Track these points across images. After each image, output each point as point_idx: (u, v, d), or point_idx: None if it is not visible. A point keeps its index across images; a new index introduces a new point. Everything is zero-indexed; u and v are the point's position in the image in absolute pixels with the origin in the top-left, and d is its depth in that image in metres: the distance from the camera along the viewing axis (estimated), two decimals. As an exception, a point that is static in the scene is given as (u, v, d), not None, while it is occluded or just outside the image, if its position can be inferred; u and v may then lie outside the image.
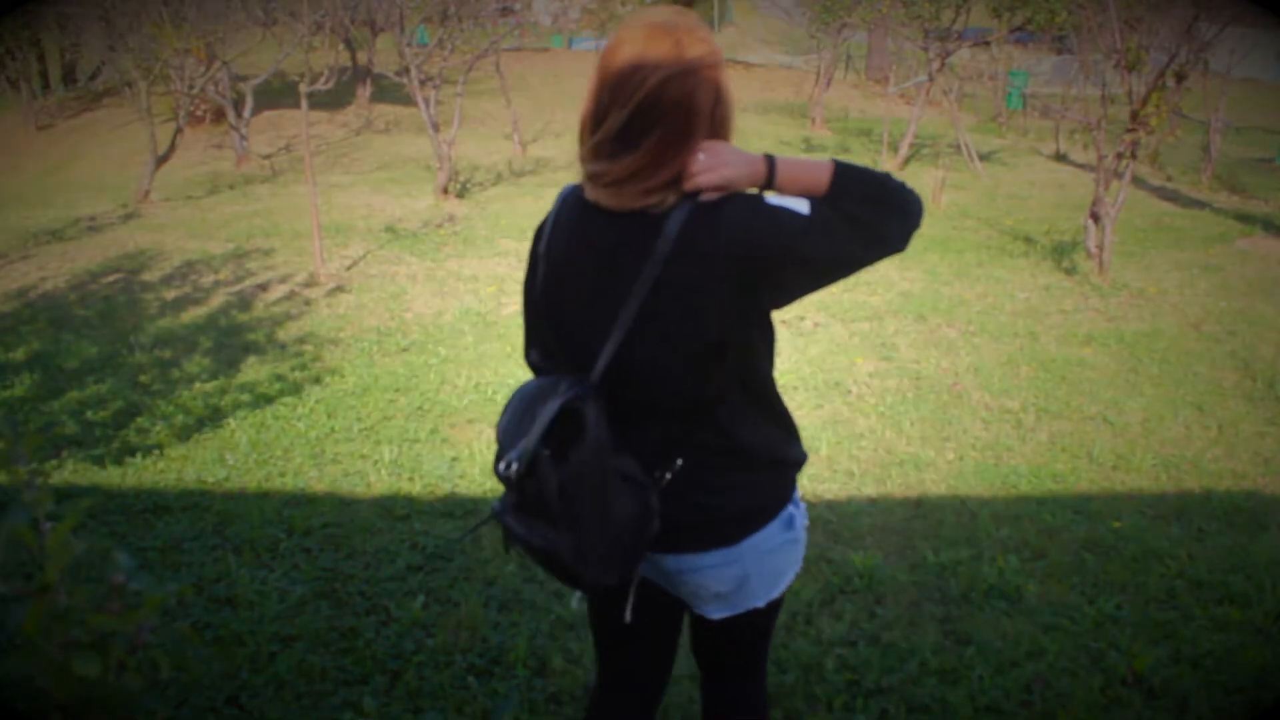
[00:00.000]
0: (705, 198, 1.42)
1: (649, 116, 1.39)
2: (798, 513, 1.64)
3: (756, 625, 1.69)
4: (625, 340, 1.44)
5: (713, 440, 1.51)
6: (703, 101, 1.41)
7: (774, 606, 1.69)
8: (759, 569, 1.59)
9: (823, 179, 1.46)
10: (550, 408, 1.43)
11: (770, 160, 1.46)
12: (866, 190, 1.47)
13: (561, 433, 1.42)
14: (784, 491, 1.61)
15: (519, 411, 1.50)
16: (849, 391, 4.81)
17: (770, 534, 1.58)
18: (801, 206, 1.42)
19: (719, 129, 1.45)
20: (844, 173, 1.47)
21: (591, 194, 1.50)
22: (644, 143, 1.39)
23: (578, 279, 1.53)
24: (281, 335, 5.50)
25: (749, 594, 1.62)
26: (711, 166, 1.40)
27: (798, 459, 1.64)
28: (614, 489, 1.43)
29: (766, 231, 1.41)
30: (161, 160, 9.69)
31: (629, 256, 1.44)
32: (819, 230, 1.42)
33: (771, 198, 1.43)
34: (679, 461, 1.51)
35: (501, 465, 1.47)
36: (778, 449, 1.59)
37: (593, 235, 1.51)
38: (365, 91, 15.48)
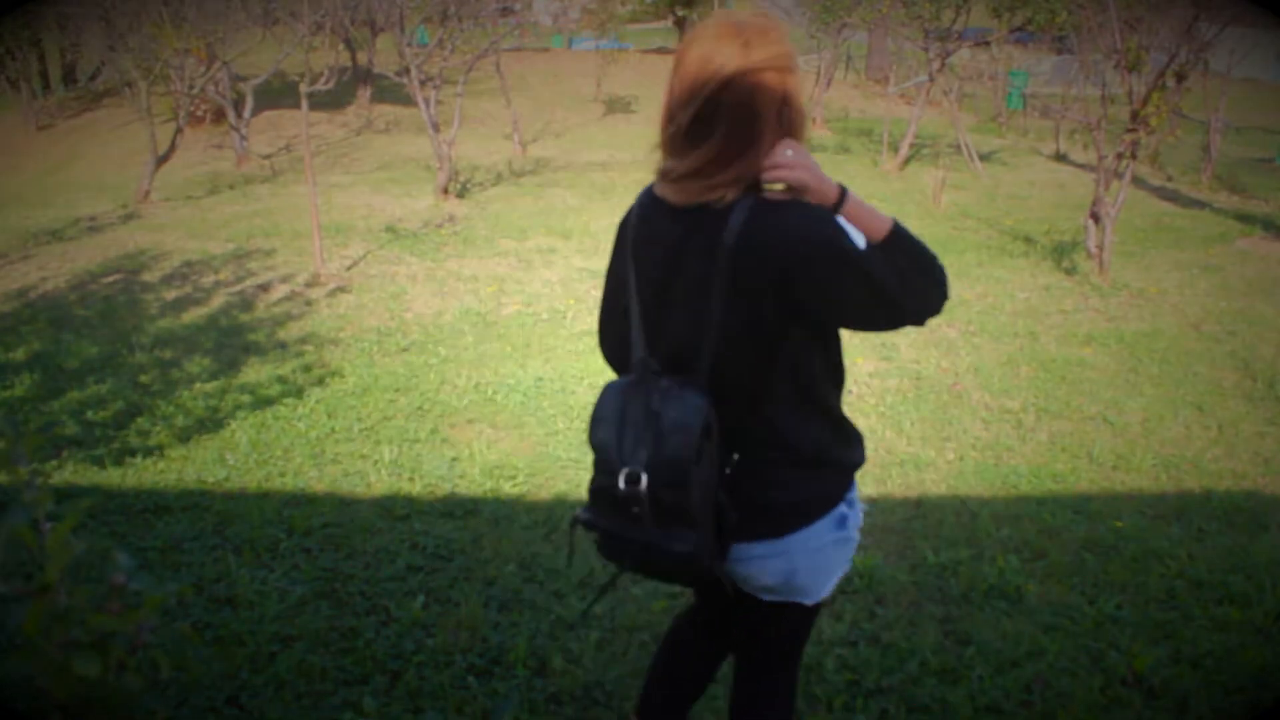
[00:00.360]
0: (770, 194, 1.47)
1: (713, 116, 1.43)
2: (851, 513, 1.67)
3: (796, 619, 1.74)
4: (708, 336, 1.49)
5: (765, 436, 1.56)
6: (765, 104, 1.44)
7: (817, 606, 1.73)
8: (807, 564, 1.63)
9: (883, 228, 1.52)
10: (678, 417, 1.47)
11: (843, 188, 1.51)
12: (917, 255, 1.53)
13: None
14: (835, 490, 1.64)
15: (620, 419, 1.52)
16: (849, 391, 4.80)
17: (819, 531, 1.62)
18: (859, 238, 1.49)
19: (790, 131, 1.48)
20: (902, 232, 1.53)
21: (659, 189, 1.56)
22: (708, 141, 1.43)
23: (647, 272, 1.58)
24: (282, 335, 5.50)
25: (796, 589, 1.65)
26: (794, 165, 1.44)
27: (852, 461, 1.67)
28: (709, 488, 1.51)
29: (824, 237, 1.45)
30: (161, 160, 9.69)
31: (692, 250, 1.49)
32: (870, 260, 1.46)
33: (819, 205, 1.49)
34: (735, 456, 1.56)
35: (622, 481, 1.47)
36: (829, 450, 1.62)
37: (659, 229, 1.56)
38: (365, 91, 15.49)
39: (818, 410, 1.59)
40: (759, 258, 1.43)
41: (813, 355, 1.55)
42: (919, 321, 1.55)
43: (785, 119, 1.46)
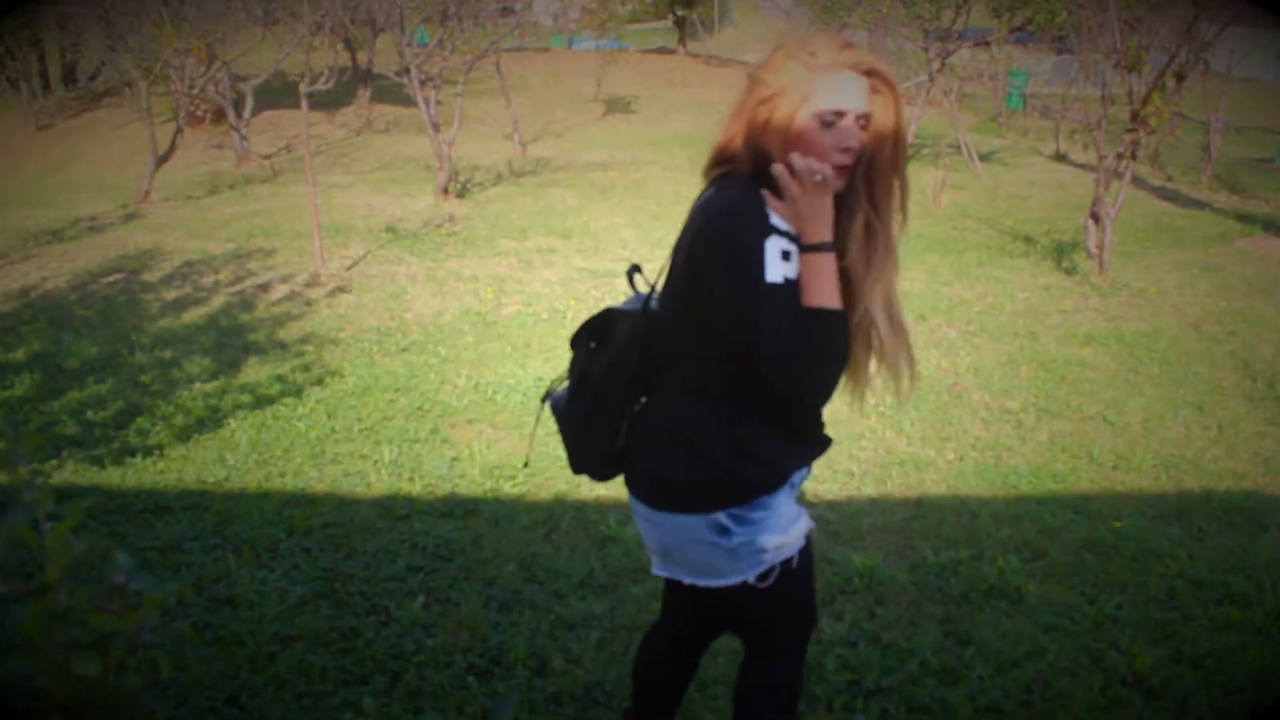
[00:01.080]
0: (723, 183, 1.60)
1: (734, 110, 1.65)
2: (739, 530, 1.65)
3: (746, 604, 1.76)
4: (658, 294, 1.70)
5: (664, 401, 1.68)
6: (743, 101, 1.62)
7: (753, 592, 1.71)
8: (679, 549, 1.71)
9: (819, 299, 1.51)
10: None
11: (825, 241, 1.52)
12: (825, 343, 1.51)
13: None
14: (714, 497, 1.64)
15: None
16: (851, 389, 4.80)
17: (691, 525, 1.66)
18: (780, 268, 1.49)
19: (794, 146, 1.55)
20: (832, 317, 1.52)
21: None
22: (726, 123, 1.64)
23: None
24: (282, 335, 5.50)
25: (677, 566, 1.74)
26: (805, 170, 1.50)
27: (745, 481, 1.64)
28: (613, 396, 1.70)
29: (725, 219, 1.54)
30: (162, 160, 9.69)
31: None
32: (767, 285, 1.48)
33: (774, 218, 1.52)
34: (644, 399, 1.70)
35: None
36: (717, 455, 1.63)
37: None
38: (365, 91, 15.48)
39: (717, 410, 1.62)
40: (687, 233, 1.60)
41: (709, 351, 1.59)
42: (782, 390, 1.52)
43: (769, 126, 1.56)
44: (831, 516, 3.54)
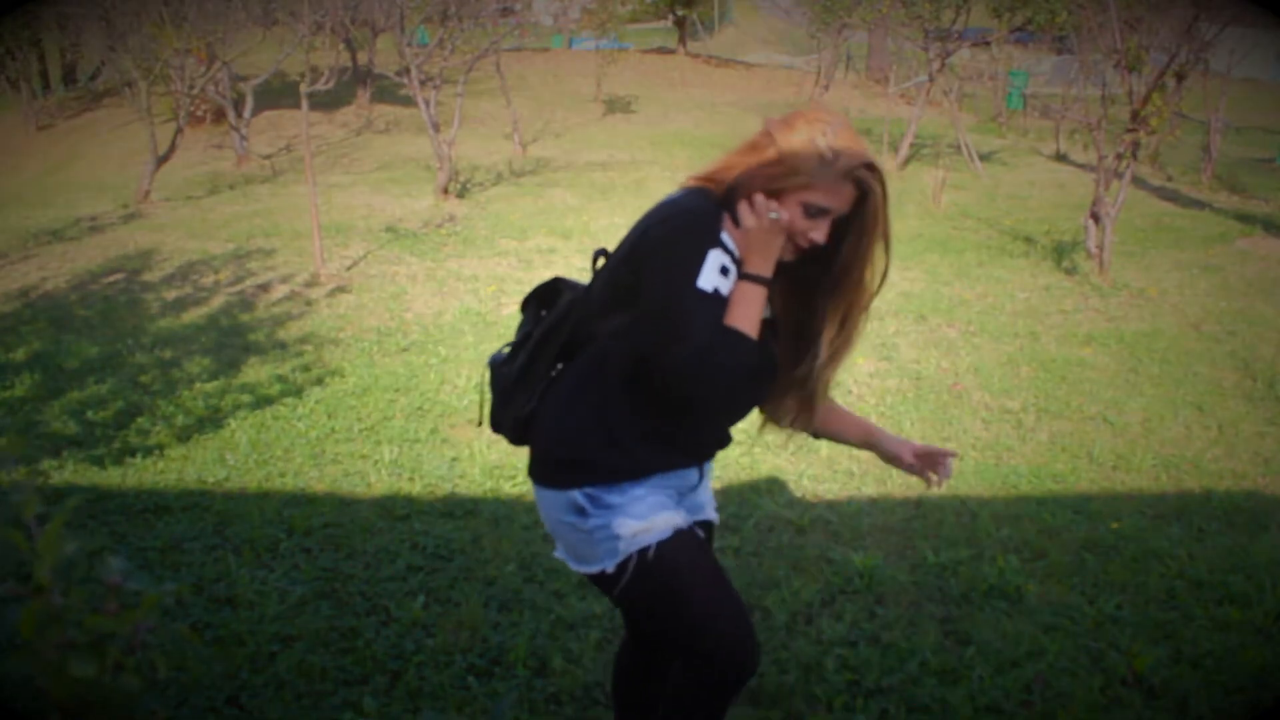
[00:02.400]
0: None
1: None
2: (595, 513, 1.68)
3: (612, 597, 1.76)
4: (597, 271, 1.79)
5: (568, 376, 1.76)
6: (754, 152, 1.67)
7: (614, 582, 1.71)
8: (553, 530, 1.77)
9: (746, 321, 1.59)
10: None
11: (763, 275, 1.62)
12: (732, 359, 1.58)
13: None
14: (569, 475, 1.70)
15: None
16: (849, 391, 4.81)
17: (552, 500, 1.73)
18: (716, 281, 1.57)
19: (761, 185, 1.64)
20: (739, 342, 1.58)
21: None
22: None
23: None
24: (282, 335, 5.50)
25: (562, 549, 1.78)
26: (763, 207, 1.60)
27: (603, 464, 1.68)
28: (543, 360, 1.79)
29: (666, 219, 1.62)
30: (162, 160, 9.69)
31: None
32: (697, 290, 1.55)
33: (724, 235, 1.60)
34: (559, 366, 1.79)
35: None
36: (581, 432, 1.70)
37: None
38: (365, 91, 15.48)
39: (605, 393, 1.69)
40: (647, 214, 1.68)
41: (622, 337, 1.66)
42: (676, 394, 1.59)
43: (761, 185, 1.62)
44: (831, 516, 3.54)
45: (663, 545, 1.69)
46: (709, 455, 1.85)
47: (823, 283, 1.70)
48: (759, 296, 1.61)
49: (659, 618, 1.75)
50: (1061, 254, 7.72)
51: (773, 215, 1.58)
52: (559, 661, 2.62)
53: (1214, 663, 2.69)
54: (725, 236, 1.60)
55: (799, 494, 3.71)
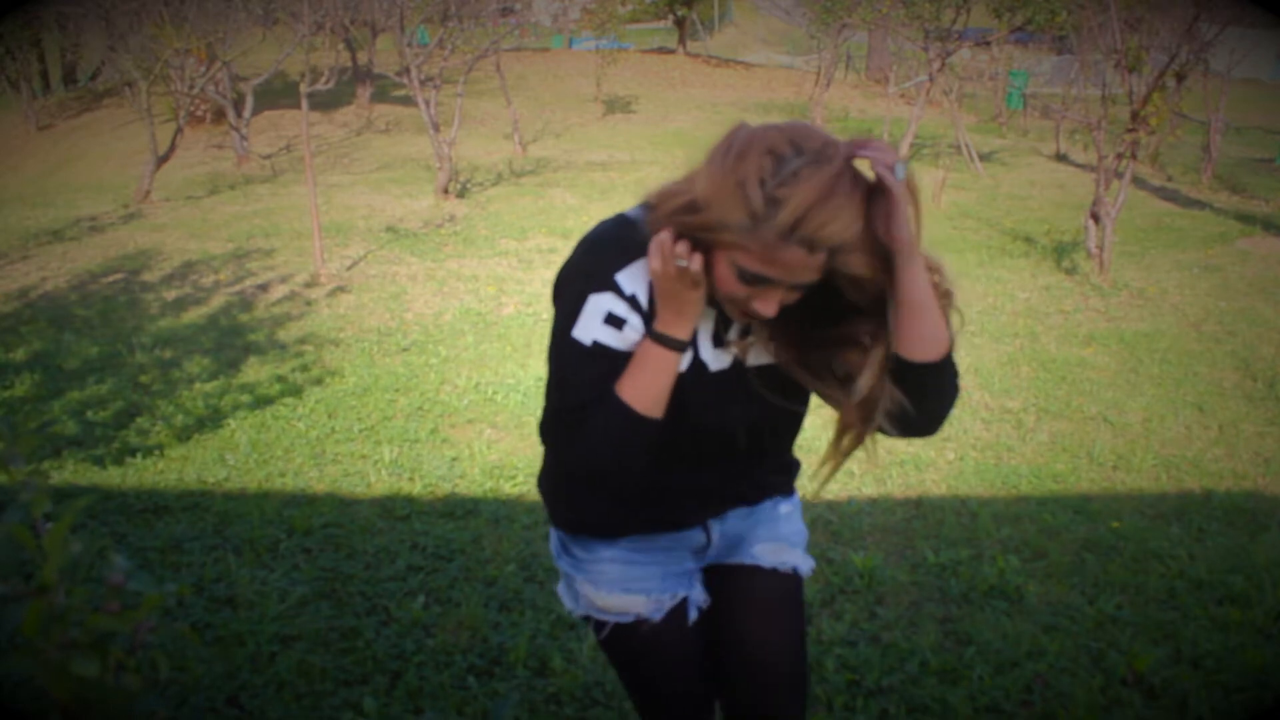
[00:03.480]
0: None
1: None
2: (562, 555, 1.56)
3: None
4: None
5: None
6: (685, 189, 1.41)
7: (600, 636, 1.56)
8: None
9: (642, 394, 1.30)
10: None
11: (676, 338, 1.30)
12: (612, 438, 1.33)
13: None
14: (551, 508, 1.57)
15: None
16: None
17: (551, 533, 1.60)
18: (597, 332, 1.30)
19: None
20: (636, 423, 1.31)
21: None
22: None
23: None
24: (282, 335, 5.50)
25: None
26: (667, 251, 1.25)
27: (560, 514, 1.54)
28: None
29: (574, 253, 1.35)
30: (162, 160, 9.69)
31: None
32: (568, 347, 1.31)
33: (624, 275, 1.31)
34: None
35: None
36: (546, 473, 1.57)
37: None
38: (365, 91, 15.47)
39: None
40: None
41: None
42: (553, 454, 1.45)
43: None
44: (832, 516, 3.54)
45: (619, 629, 1.51)
46: (713, 511, 1.53)
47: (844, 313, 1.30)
48: (665, 364, 1.28)
49: (622, 681, 1.65)
50: (1062, 254, 7.72)
51: (680, 263, 1.21)
52: (559, 661, 2.62)
53: (1214, 663, 2.69)
54: (624, 275, 1.28)
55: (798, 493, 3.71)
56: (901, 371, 1.28)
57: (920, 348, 1.27)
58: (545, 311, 6.01)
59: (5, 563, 0.70)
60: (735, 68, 21.75)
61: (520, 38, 16.65)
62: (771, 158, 1.15)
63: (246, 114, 11.66)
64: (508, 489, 3.71)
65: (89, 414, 4.29)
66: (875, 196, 1.18)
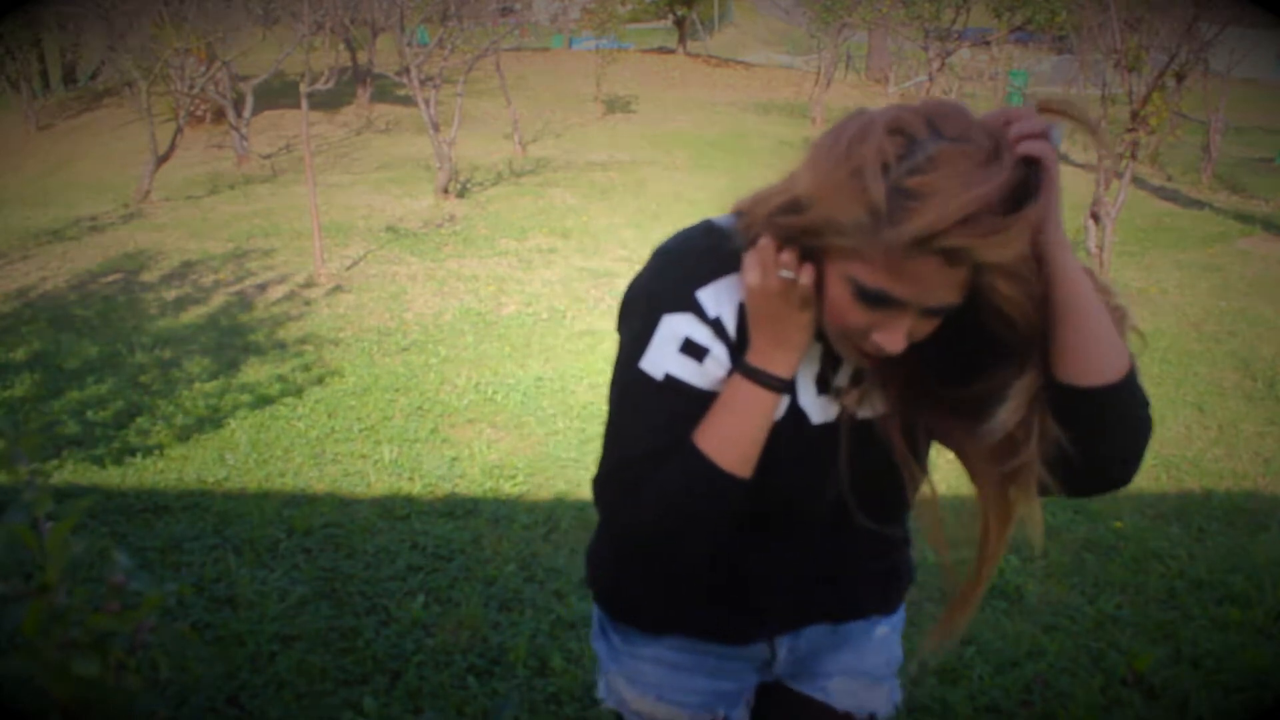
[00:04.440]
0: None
1: None
2: (599, 636, 1.32)
3: None
4: None
5: None
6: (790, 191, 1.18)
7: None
8: None
9: (728, 446, 1.05)
10: None
11: (771, 374, 1.05)
12: (689, 497, 1.07)
13: None
14: (592, 581, 1.32)
15: None
16: (849, 391, 4.80)
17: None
18: (672, 364, 1.04)
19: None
20: (719, 480, 1.07)
21: None
22: None
23: None
24: (281, 335, 5.50)
25: None
26: (770, 258, 1.00)
27: (596, 586, 1.29)
28: None
29: (646, 267, 1.09)
30: (161, 160, 9.69)
31: None
32: (635, 381, 1.07)
33: (705, 292, 1.06)
34: None
35: None
36: (594, 549, 1.32)
37: None
38: (365, 91, 15.47)
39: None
40: None
41: None
42: (602, 516, 1.14)
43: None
44: (831, 516, 3.53)
45: None
46: (787, 622, 1.24)
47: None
48: (758, 405, 1.00)
49: None
50: (1061, 254, 7.71)
51: (785, 274, 0.95)
52: (559, 661, 2.62)
53: (1214, 663, 2.69)
54: (709, 295, 1.01)
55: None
56: (1070, 404, 0.98)
57: (1094, 367, 0.97)
58: (545, 311, 6.05)
59: (6, 563, 0.70)
60: (735, 68, 21.75)
61: (520, 37, 16.66)
62: (901, 139, 0.88)
63: (246, 114, 11.66)
64: (507, 489, 3.71)
65: (89, 414, 4.29)
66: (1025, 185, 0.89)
